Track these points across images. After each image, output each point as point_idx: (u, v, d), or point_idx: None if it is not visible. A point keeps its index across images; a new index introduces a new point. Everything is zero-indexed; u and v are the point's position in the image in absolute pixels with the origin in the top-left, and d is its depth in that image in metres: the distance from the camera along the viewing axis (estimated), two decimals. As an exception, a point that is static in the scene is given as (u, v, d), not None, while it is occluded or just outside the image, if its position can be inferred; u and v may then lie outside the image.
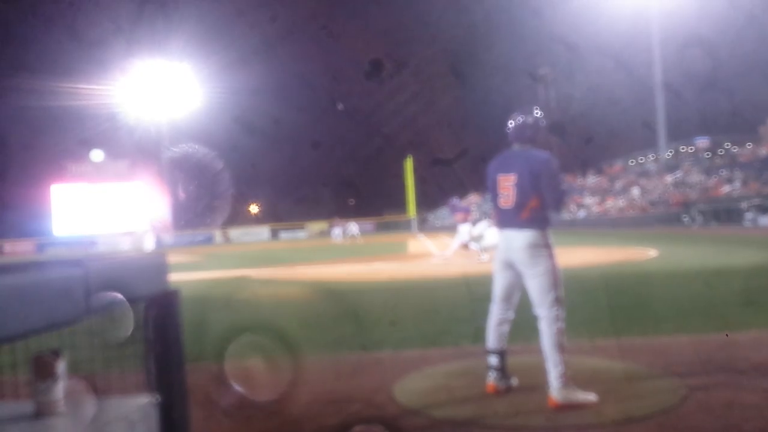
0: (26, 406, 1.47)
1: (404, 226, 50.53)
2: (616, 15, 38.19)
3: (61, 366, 1.51)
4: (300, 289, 10.70)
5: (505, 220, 3.69)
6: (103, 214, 48.53)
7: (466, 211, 15.50)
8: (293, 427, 3.35)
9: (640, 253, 13.97)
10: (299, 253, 24.40)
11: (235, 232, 53.12)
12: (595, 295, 7.62)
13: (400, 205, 53.04)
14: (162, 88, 47.26)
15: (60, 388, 1.49)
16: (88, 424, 1.55)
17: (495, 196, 3.78)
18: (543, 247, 3.55)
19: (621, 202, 38.40)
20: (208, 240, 51.26)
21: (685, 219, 30.42)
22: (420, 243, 26.92)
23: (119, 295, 1.63)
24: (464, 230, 14.65)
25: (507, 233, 3.67)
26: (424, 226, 53.74)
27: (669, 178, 37.49)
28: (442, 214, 55.96)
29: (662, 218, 32.09)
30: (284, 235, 53.37)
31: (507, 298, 3.75)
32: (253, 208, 70.48)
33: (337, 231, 38.43)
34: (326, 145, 67.78)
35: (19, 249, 49.27)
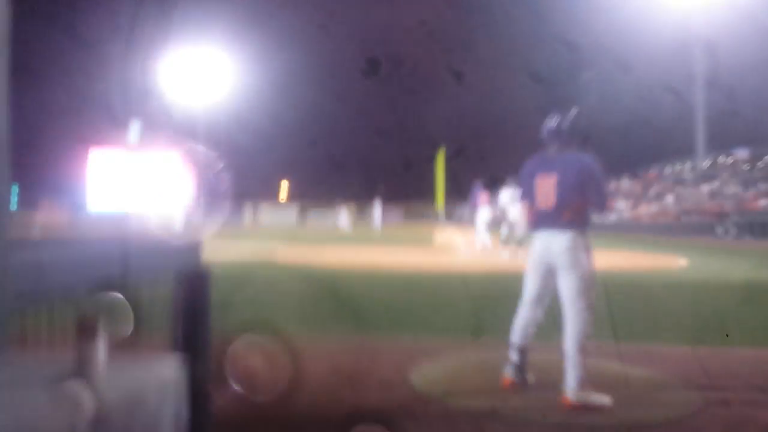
0: (68, 365, 1.56)
1: (431, 216, 50.14)
2: (658, 24, 37.38)
3: (101, 328, 1.60)
4: (322, 275, 10.76)
5: (544, 221, 3.65)
6: (137, 187, 48.29)
7: (488, 192, 15.18)
8: (309, 402, 3.44)
9: (670, 261, 13.81)
10: (324, 237, 24.59)
11: (265, 213, 52.82)
12: (622, 299, 7.52)
13: (428, 194, 52.94)
14: (201, 70, 47.65)
15: (101, 349, 1.58)
16: (125, 382, 1.66)
17: (531, 197, 3.75)
18: (583, 250, 3.54)
19: (654, 208, 37.80)
20: (237, 218, 51.43)
21: (719, 230, 29.80)
22: (446, 234, 26.69)
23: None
24: (484, 213, 14.45)
25: (546, 234, 3.63)
26: (451, 218, 53.76)
27: (705, 188, 36.73)
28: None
29: (695, 228, 31.44)
30: (313, 216, 53.30)
31: (538, 300, 3.74)
32: (283, 189, 70.46)
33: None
34: (358, 131, 67.03)
35: (54, 219, 48.83)
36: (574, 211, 3.56)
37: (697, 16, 37.59)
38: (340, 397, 3.54)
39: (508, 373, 3.73)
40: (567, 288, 3.53)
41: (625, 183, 42.60)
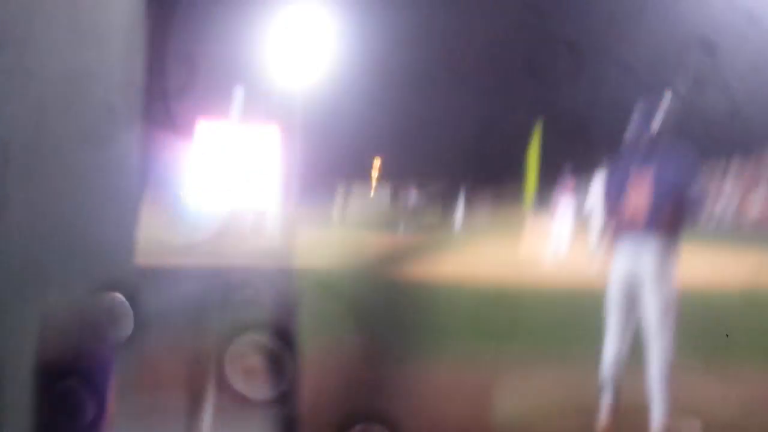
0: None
1: (522, 201, 48.95)
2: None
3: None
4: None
5: (634, 224, 3.29)
6: (237, 174, 48.09)
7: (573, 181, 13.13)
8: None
9: None
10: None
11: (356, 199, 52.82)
12: (721, 316, 6.87)
13: (520, 178, 51.33)
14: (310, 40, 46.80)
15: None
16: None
17: (618, 198, 3.39)
18: (674, 257, 3.25)
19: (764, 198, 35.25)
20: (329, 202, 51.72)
21: None
22: (536, 230, 24.86)
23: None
24: (564, 209, 12.36)
25: (635, 239, 3.28)
26: (543, 204, 51.04)
27: None
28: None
29: None
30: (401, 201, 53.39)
31: (626, 326, 3.37)
32: (375, 172, 69.72)
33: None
34: (452, 109, 64.15)
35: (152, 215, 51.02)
36: (670, 212, 3.25)
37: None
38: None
39: (606, 418, 3.40)
40: (653, 304, 3.23)
41: (734, 167, 39.94)
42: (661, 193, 3.24)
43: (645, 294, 3.27)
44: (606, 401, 3.41)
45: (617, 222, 3.46)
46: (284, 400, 2.21)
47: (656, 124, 3.36)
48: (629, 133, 3.46)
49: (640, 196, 3.28)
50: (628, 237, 3.34)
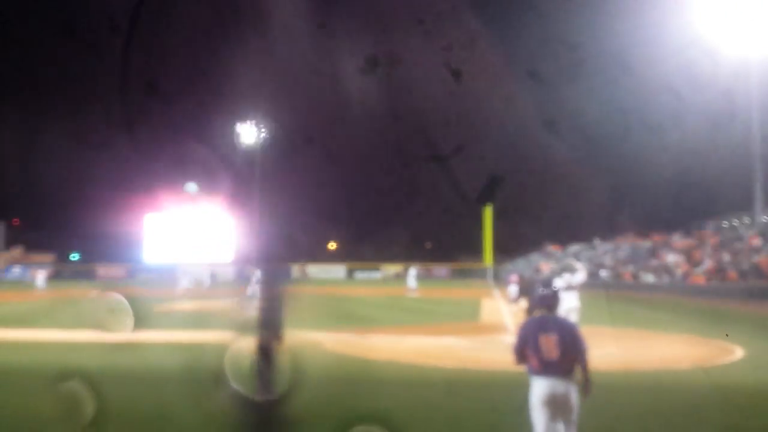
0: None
1: (480, 274, 49.99)
2: (714, 71, 35.14)
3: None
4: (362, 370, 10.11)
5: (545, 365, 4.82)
6: (190, 243, 50.63)
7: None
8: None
9: (723, 351, 11.61)
10: (373, 309, 23.88)
11: (313, 269, 53.79)
12: (652, 407, 7.27)
13: (476, 251, 51.78)
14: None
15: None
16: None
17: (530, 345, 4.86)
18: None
19: (708, 265, 34.98)
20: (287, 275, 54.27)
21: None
22: (494, 304, 25.32)
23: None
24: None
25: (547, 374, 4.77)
26: (499, 276, 48.30)
27: (766, 247, 32.50)
28: (518, 266, 51.80)
29: (755, 292, 28.14)
30: (360, 275, 55.36)
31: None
32: (331, 245, 69.12)
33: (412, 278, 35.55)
34: (403, 187, 62.84)
35: (112, 273, 53.12)
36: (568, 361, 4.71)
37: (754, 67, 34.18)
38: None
39: None
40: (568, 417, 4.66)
41: (677, 239, 38.89)
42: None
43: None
44: None
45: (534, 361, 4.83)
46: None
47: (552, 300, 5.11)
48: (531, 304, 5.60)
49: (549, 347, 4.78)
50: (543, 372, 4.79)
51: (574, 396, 4.69)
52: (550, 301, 5.09)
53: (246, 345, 5.19)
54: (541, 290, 5.24)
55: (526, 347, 4.84)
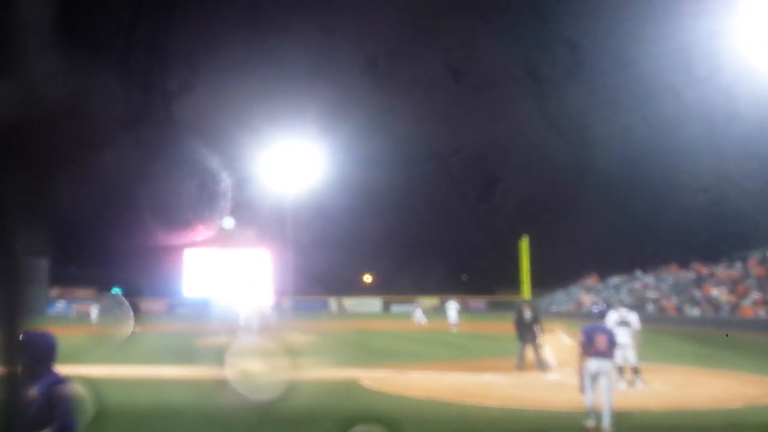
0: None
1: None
2: (750, 99, 34.35)
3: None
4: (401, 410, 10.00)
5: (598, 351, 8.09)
6: (229, 279, 48.87)
7: None
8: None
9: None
10: (409, 344, 23.98)
11: (349, 302, 55.51)
12: None
13: (513, 283, 51.06)
14: (290, 162, 46.43)
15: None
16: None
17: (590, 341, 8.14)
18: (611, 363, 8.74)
19: (756, 296, 33.77)
20: (324, 307, 54.13)
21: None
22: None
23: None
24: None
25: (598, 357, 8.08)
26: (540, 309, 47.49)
27: None
28: (558, 298, 51.23)
29: None
30: (395, 308, 55.21)
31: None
32: (367, 278, 69.12)
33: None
34: (441, 218, 62.43)
35: (154, 308, 53.76)
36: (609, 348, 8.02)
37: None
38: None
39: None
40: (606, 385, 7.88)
41: (722, 269, 37.57)
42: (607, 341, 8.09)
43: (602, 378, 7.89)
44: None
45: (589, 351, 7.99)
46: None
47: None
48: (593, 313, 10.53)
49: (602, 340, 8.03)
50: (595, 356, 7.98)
51: (611, 370, 8.16)
52: (603, 314, 10.09)
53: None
54: (596, 307, 9.87)
55: (587, 341, 7.95)
